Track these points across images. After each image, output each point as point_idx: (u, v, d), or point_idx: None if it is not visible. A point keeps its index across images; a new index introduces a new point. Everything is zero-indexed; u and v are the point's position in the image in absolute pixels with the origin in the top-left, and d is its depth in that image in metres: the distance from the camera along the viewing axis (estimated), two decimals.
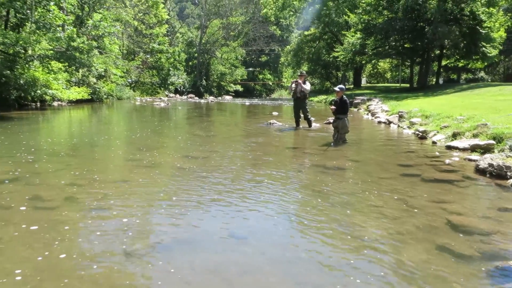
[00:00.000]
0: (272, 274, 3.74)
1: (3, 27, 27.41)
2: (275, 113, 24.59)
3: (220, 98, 61.15)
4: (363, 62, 46.94)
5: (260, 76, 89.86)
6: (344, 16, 46.86)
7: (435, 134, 12.35)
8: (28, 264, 3.81)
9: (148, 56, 57.25)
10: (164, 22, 61.23)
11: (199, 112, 29.05)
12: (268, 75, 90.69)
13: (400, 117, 17.44)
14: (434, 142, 11.50)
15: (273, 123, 17.28)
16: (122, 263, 3.89)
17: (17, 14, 27.64)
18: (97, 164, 8.63)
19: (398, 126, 16.44)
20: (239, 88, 77.72)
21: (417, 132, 13.36)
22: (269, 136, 13.96)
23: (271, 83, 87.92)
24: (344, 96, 11.89)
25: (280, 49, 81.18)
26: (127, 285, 3.51)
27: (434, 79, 46.85)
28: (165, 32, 62.52)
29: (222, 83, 74.96)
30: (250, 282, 3.61)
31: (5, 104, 24.40)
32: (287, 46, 72.87)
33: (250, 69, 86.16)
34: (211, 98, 57.04)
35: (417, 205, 5.75)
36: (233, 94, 72.93)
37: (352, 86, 59.35)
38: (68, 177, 7.25)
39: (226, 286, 3.51)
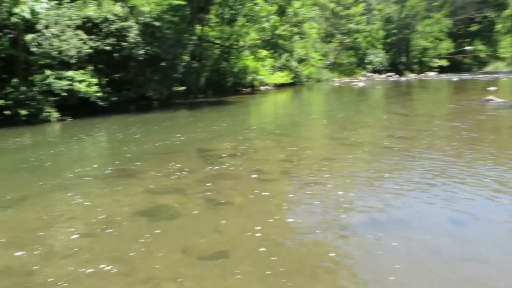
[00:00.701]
0: (494, 265, 3.32)
1: (220, 23, 31.51)
2: (491, 89, 21.48)
3: (422, 75, 57.00)
4: None
5: (470, 48, 79.62)
6: None
7: None
8: (264, 224, 4.32)
9: (345, 37, 57.20)
10: (360, 1, 60.03)
11: (400, 91, 27.66)
12: (480, 46, 79.61)
13: None
14: None
15: (490, 100, 15.12)
16: (336, 235, 4.04)
17: (230, 10, 31.34)
18: (305, 142, 9.12)
19: None
20: (444, 63, 70.74)
21: None
22: (485, 114, 12.29)
23: (483, 55, 77.03)
24: None
25: (495, 15, 70.16)
26: (342, 255, 3.62)
27: None
28: (362, 11, 61.27)
29: (424, 58, 69.45)
30: (471, 269, 3.28)
31: (224, 90, 28.06)
32: (506, 10, 62.35)
33: (459, 40, 77.25)
34: (412, 75, 53.65)
35: None
36: (437, 70, 66.85)
37: None
38: (282, 153, 7.87)
39: (447, 269, 3.28)
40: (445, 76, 48.89)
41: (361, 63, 60.21)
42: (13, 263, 3.66)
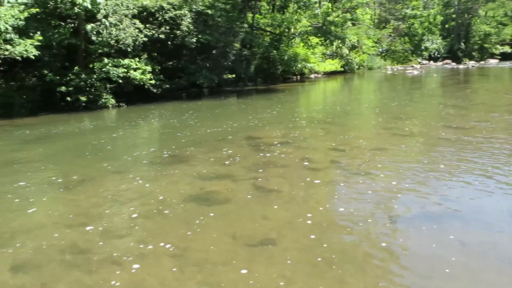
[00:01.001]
0: None
1: (271, 11, 31.38)
2: None
3: (482, 62, 53.88)
4: None
5: None
6: None
7: None
8: (314, 212, 4.35)
9: (400, 23, 55.06)
10: None
11: (458, 79, 26.36)
12: None
13: None
14: None
15: None
16: (388, 226, 3.99)
17: None
18: (356, 131, 8.98)
19: None
20: (507, 49, 66.38)
21: None
22: None
23: None
24: None
25: None
26: (394, 246, 3.58)
27: None
28: None
29: (485, 45, 65.56)
30: None
31: (273, 78, 28.03)
32: None
33: None
34: (471, 63, 50.81)
35: None
36: (499, 57, 62.93)
37: None
38: (332, 142, 7.82)
39: (503, 265, 3.16)
40: (508, 64, 45.93)
41: (416, 50, 57.78)
42: (74, 241, 3.93)
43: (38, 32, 13.16)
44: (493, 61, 55.68)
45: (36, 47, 12.71)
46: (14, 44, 12.27)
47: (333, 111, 12.65)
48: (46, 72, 13.94)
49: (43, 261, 3.56)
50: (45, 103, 14.63)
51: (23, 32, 12.89)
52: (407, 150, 6.90)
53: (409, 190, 4.95)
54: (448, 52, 63.23)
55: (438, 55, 61.93)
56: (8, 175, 6.34)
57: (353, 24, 38.59)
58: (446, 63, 53.57)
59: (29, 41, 12.53)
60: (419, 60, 56.74)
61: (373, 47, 44.66)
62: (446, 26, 68.14)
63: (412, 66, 46.83)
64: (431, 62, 57.80)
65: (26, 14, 12.44)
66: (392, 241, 3.69)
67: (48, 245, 3.86)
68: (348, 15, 34.31)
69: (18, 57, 12.36)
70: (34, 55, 12.58)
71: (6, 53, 12.22)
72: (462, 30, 65.89)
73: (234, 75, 23.44)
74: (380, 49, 51.65)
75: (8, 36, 12.04)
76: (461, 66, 45.41)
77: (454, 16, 66.98)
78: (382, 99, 16.33)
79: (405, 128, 8.75)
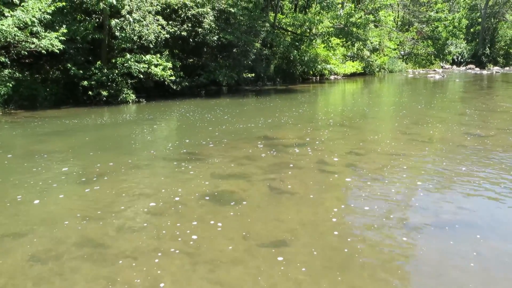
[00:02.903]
0: None
1: (293, 10, 31.31)
2: None
3: (507, 68, 52.68)
4: None
5: None
6: None
7: None
8: (326, 216, 4.37)
9: (424, 26, 54.23)
10: None
11: (481, 85, 25.86)
12: None
13: None
14: None
15: None
16: (401, 233, 3.97)
17: None
18: (373, 135, 8.92)
19: None
20: None
21: None
22: None
23: None
24: None
25: None
26: (405, 254, 3.57)
27: None
28: None
29: (511, 50, 64.09)
30: None
31: (292, 78, 27.98)
32: None
33: None
34: (495, 68, 49.75)
35: None
36: None
37: None
38: (348, 145, 7.79)
39: None
40: None
41: (439, 54, 56.83)
42: (90, 234, 4.04)
43: (64, 26, 13.43)
44: None
45: (61, 41, 12.98)
46: (40, 37, 12.56)
47: (351, 114, 12.57)
48: (70, 65, 14.23)
49: (60, 252, 3.67)
50: (67, 96, 14.95)
51: (49, 25, 13.19)
52: (426, 156, 6.84)
53: (424, 198, 4.92)
54: (472, 57, 62.03)
55: (462, 60, 60.78)
56: (29, 167, 6.51)
57: (376, 26, 38.20)
58: (470, 68, 52.60)
59: (54, 34, 12.80)
60: (441, 64, 55.81)
61: (394, 49, 44.13)
62: (471, 30, 66.82)
63: (434, 70, 46.14)
64: (454, 66, 56.84)
65: (52, 8, 12.72)
66: (405, 249, 3.68)
67: (65, 237, 3.97)
68: (371, 17, 33.97)
69: (43, 50, 12.65)
70: (59, 49, 12.86)
71: (32, 46, 12.52)
72: (487, 35, 64.54)
73: (253, 74, 23.49)
74: (402, 52, 51.03)
75: (34, 29, 12.33)
76: (484, 72, 44.52)
77: (480, 20, 65.66)
78: (402, 103, 16.15)
79: (424, 134, 8.66)
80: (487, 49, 63.10)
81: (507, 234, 3.92)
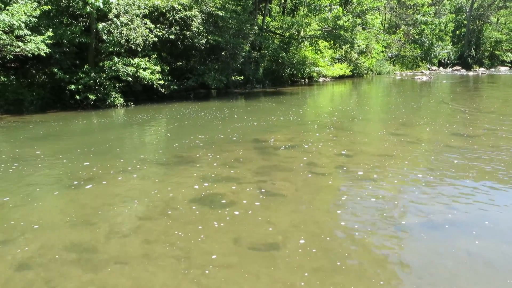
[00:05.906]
0: None
1: (281, 13, 31.43)
2: None
3: (493, 69, 53.55)
4: None
5: None
6: None
7: None
8: (317, 218, 4.36)
9: (411, 28, 54.83)
10: None
11: (467, 86, 26.20)
12: None
13: None
14: None
15: None
16: (391, 234, 3.99)
17: (293, 0, 31.17)
18: (362, 137, 8.96)
19: None
20: None
21: None
22: None
23: None
24: None
25: None
26: (395, 255, 3.58)
27: None
28: (431, 1, 58.29)
29: (496, 52, 65.13)
30: None
31: (281, 81, 28.08)
32: None
33: None
34: (481, 70, 50.52)
35: None
36: (510, 64, 62.48)
37: None
38: (338, 147, 7.81)
39: (507, 279, 3.15)
40: None
41: (426, 56, 57.51)
42: (79, 240, 3.98)
43: (50, 30, 13.29)
44: (503, 69, 55.29)
45: (47, 44, 12.84)
46: (25, 41, 12.41)
47: (340, 116, 12.63)
48: (56, 70, 14.08)
49: (49, 259, 3.61)
50: (54, 101, 14.78)
51: (35, 29, 13.03)
52: (414, 157, 6.88)
53: (414, 199, 4.94)
54: (458, 59, 62.87)
55: (448, 61, 61.57)
56: (15, 172, 6.41)
57: (363, 29, 38.51)
58: (456, 70, 53.32)
59: (40, 37, 12.66)
60: (428, 66, 56.46)
61: (382, 52, 44.54)
62: (457, 32, 67.72)
63: (421, 72, 46.65)
64: (441, 68, 57.53)
65: (38, 11, 12.58)
66: (396, 249, 3.69)
67: (53, 243, 3.91)
68: (359, 20, 34.23)
69: (29, 54, 12.50)
70: (45, 53, 12.71)
71: (18, 50, 12.36)
72: (473, 37, 65.52)
73: (242, 77, 23.51)
74: (390, 54, 51.51)
75: (21, 32, 12.17)
76: (470, 73, 45.15)
77: (465, 22, 66.61)
78: (389, 104, 16.28)
79: (412, 135, 8.73)
80: (473, 50, 64.04)
81: (498, 234, 3.95)
